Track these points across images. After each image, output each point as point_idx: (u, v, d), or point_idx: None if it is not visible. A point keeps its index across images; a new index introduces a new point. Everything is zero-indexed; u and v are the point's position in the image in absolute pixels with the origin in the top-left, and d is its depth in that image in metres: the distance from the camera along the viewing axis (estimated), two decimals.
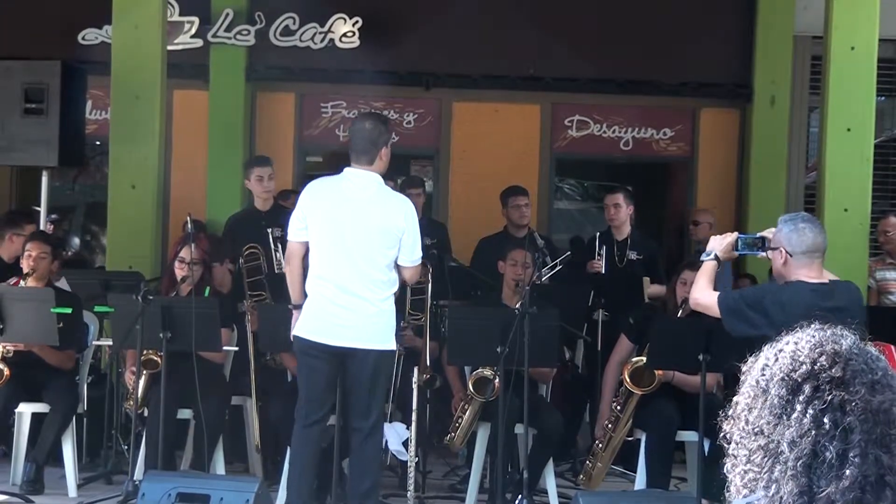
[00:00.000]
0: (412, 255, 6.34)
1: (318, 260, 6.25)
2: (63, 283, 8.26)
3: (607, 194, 9.24)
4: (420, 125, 11.45)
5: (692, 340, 6.48)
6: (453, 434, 7.38)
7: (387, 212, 6.28)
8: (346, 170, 6.40)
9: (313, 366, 6.25)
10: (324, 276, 6.21)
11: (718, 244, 5.79)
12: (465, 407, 7.34)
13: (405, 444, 7.01)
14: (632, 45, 11.08)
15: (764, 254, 5.74)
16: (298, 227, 6.33)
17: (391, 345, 6.30)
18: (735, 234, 5.82)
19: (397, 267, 6.34)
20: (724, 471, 1.99)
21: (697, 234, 9.88)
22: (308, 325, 6.23)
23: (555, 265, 7.71)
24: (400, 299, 7.89)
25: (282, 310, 6.93)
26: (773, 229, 5.75)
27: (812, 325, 2.05)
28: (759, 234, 5.79)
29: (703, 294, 5.71)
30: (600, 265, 8.78)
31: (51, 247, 7.79)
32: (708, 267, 5.79)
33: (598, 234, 9.12)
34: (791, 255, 5.50)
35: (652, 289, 8.64)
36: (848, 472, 1.83)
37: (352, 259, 6.18)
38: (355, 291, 6.17)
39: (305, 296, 6.30)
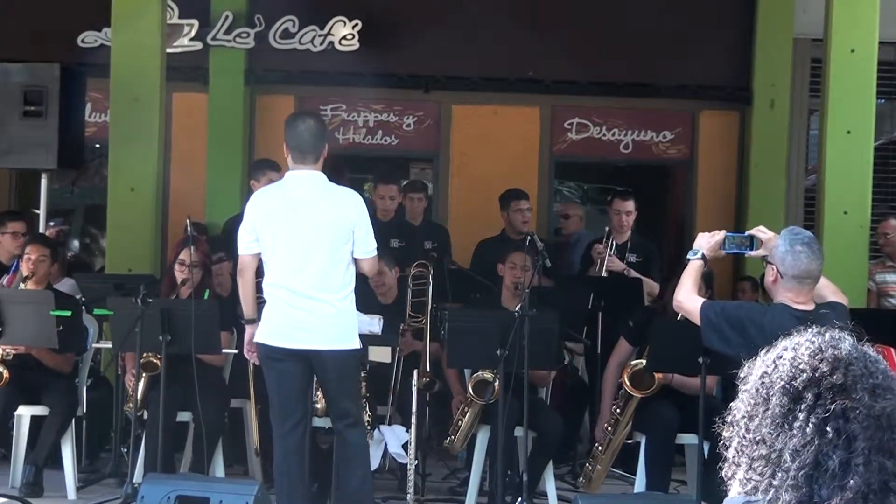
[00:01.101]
0: (366, 246, 6.28)
1: (273, 266, 6.22)
2: (64, 286, 8.27)
3: (619, 200, 9.10)
4: (419, 128, 11.44)
5: (691, 343, 6.45)
6: (453, 437, 7.38)
7: (336, 207, 6.24)
8: (288, 173, 6.38)
9: (281, 369, 6.20)
10: (279, 282, 6.18)
11: (706, 242, 5.60)
12: (465, 409, 7.33)
13: (405, 446, 7.01)
14: (631, 47, 11.08)
15: (752, 252, 5.60)
16: (249, 240, 6.26)
17: (354, 344, 6.25)
18: (723, 233, 5.64)
19: (355, 263, 6.30)
20: (723, 476, 1.97)
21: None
22: (269, 330, 6.20)
23: (536, 260, 7.64)
24: (400, 302, 7.90)
25: None
26: (762, 227, 5.65)
27: (809, 330, 2.03)
28: (746, 233, 5.67)
29: (688, 298, 5.53)
30: (605, 250, 8.76)
31: (50, 250, 7.79)
32: (693, 267, 5.60)
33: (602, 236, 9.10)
34: (782, 276, 5.37)
35: (647, 283, 8.64)
36: (851, 481, 1.81)
37: (306, 261, 6.15)
38: (311, 294, 6.13)
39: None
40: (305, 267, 6.15)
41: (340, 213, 6.22)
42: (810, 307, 5.38)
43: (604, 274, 8.79)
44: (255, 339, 6.26)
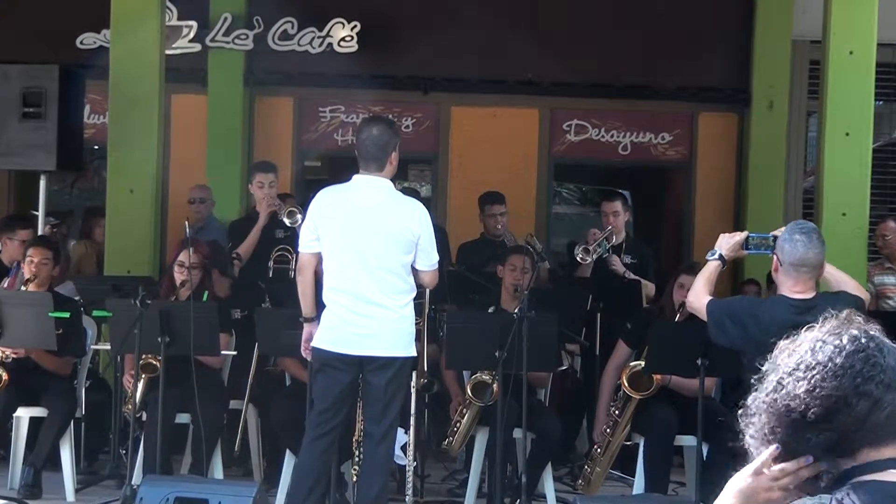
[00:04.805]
0: (429, 259, 6.23)
1: (334, 270, 6.14)
2: (66, 288, 8.26)
3: (605, 202, 9.19)
4: (418, 130, 11.45)
5: (690, 345, 6.48)
6: (451, 438, 7.38)
7: (400, 217, 6.17)
8: (356, 177, 6.27)
9: (332, 377, 6.13)
10: (340, 286, 6.11)
11: (725, 243, 5.76)
12: (464, 411, 7.33)
13: (403, 448, 7.01)
14: (630, 49, 11.09)
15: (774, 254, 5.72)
16: (310, 239, 6.20)
17: (412, 351, 6.23)
18: (745, 234, 5.79)
19: (414, 273, 6.28)
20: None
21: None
22: (328, 337, 6.12)
23: (535, 262, 7.64)
24: None
25: (281, 314, 6.91)
26: (784, 228, 5.75)
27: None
28: (770, 234, 5.74)
29: (698, 297, 5.66)
30: (600, 235, 8.77)
31: (52, 252, 7.78)
32: (710, 267, 5.74)
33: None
34: (781, 265, 5.46)
35: (644, 285, 8.67)
36: None
37: (368, 267, 6.08)
38: (374, 300, 6.07)
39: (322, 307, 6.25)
40: (368, 273, 6.08)
41: (404, 224, 6.15)
42: (809, 295, 5.44)
43: (594, 257, 8.74)
44: (313, 344, 6.19)
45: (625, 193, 9.81)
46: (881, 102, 11.04)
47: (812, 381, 2.16)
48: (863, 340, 2.20)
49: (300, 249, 6.31)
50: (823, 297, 5.49)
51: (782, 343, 2.26)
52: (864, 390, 2.15)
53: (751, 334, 5.33)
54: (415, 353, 6.30)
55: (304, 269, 6.27)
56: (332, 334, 6.11)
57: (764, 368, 2.25)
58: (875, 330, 2.23)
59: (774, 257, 5.53)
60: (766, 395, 2.21)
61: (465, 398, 7.31)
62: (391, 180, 6.36)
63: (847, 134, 8.38)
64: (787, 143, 11.12)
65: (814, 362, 2.17)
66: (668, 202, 12.39)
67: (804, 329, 2.25)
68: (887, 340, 2.22)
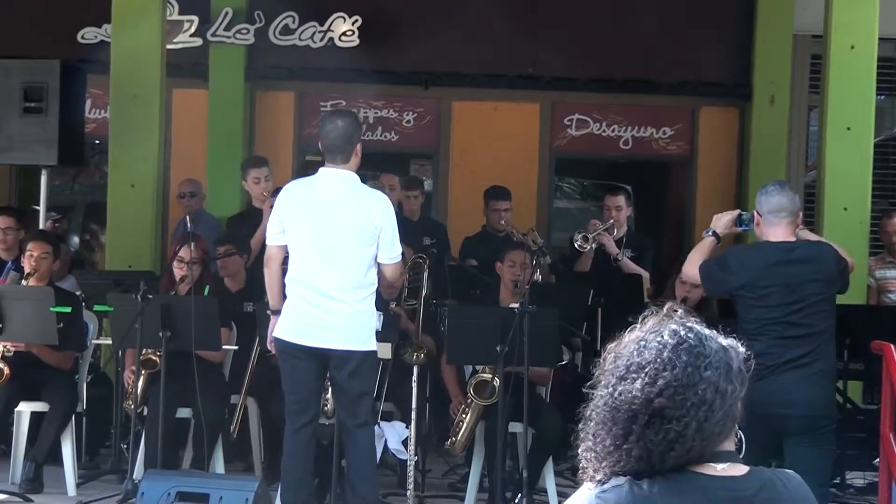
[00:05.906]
0: (391, 252, 6.28)
1: (295, 262, 6.23)
2: (67, 283, 8.26)
3: (608, 196, 9.20)
4: (419, 124, 11.45)
5: None
6: (454, 438, 7.34)
7: (362, 210, 6.23)
8: (321, 170, 6.36)
9: (296, 366, 6.21)
10: (300, 278, 6.19)
11: (718, 220, 6.08)
12: (466, 410, 7.29)
13: (404, 442, 7.00)
14: (631, 43, 11.07)
15: None
16: (276, 231, 6.29)
17: (371, 345, 6.26)
18: (736, 211, 6.15)
19: (378, 265, 6.31)
20: None
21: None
22: (286, 327, 6.20)
23: (535, 257, 7.63)
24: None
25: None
26: None
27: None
28: None
29: (693, 265, 5.96)
30: (601, 226, 8.78)
31: (52, 246, 7.78)
32: (705, 242, 6.06)
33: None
34: (761, 217, 5.74)
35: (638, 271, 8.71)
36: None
37: (328, 260, 6.15)
38: (330, 293, 6.14)
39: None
40: (327, 266, 6.15)
41: (366, 217, 6.20)
42: (791, 239, 5.75)
43: (593, 245, 8.75)
44: (273, 334, 6.26)
45: (628, 188, 9.81)
46: (882, 97, 11.03)
47: (647, 379, 2.17)
48: (682, 333, 2.22)
49: (267, 242, 6.41)
50: (804, 243, 5.82)
51: (608, 347, 2.28)
52: (696, 379, 2.17)
53: (737, 274, 5.69)
54: (375, 347, 6.31)
55: (270, 262, 6.36)
56: (291, 324, 6.19)
57: (595, 374, 2.27)
58: (693, 321, 2.26)
59: (755, 214, 5.81)
60: (605, 402, 2.21)
61: (467, 398, 7.28)
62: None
63: (848, 128, 8.38)
64: (788, 137, 11.12)
65: (643, 362, 2.20)
66: (669, 197, 12.39)
67: (628, 330, 2.28)
68: (705, 329, 2.25)
